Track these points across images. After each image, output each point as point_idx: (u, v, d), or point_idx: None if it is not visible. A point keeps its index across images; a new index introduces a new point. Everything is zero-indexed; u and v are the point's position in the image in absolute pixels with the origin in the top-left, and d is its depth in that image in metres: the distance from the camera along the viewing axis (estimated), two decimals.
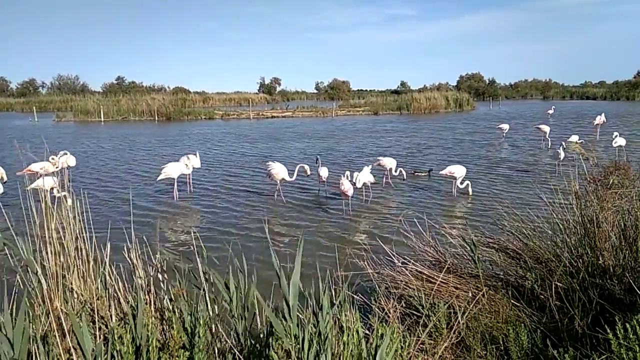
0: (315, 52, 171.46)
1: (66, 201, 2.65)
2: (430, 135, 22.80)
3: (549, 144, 16.71)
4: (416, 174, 12.30)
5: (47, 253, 2.42)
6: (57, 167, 9.47)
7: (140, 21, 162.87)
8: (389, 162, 11.34)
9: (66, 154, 10.89)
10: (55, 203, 2.65)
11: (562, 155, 12.02)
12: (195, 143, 21.17)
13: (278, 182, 9.89)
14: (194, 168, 10.94)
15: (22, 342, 1.89)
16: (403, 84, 79.45)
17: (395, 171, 11.20)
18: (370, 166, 9.95)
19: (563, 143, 12.51)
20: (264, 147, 19.49)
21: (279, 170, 9.77)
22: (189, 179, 10.94)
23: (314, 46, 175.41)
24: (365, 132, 25.72)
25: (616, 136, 14.11)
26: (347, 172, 9.56)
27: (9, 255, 2.46)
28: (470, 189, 9.87)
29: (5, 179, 9.51)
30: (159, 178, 10.33)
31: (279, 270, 2.16)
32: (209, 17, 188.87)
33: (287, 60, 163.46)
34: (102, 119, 37.60)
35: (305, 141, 21.43)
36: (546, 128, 17.67)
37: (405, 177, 11.24)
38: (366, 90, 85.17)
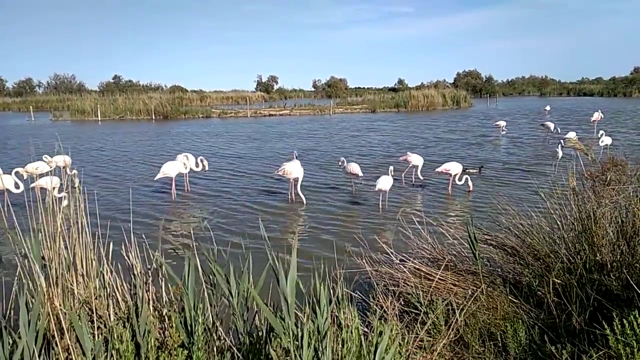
0: (312, 49, 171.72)
1: (64, 201, 2.65)
2: (423, 133, 22.78)
3: (559, 132, 17.04)
4: (467, 170, 11.18)
5: (47, 252, 2.43)
6: (51, 167, 9.52)
7: (136, 20, 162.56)
8: (416, 160, 10.76)
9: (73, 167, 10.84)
10: (56, 202, 2.64)
11: (560, 154, 12.01)
12: (194, 143, 21.14)
13: (291, 180, 9.87)
14: (191, 170, 10.92)
15: (27, 340, 1.89)
16: (400, 81, 79.36)
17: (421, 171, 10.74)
18: (354, 163, 10.12)
19: (561, 141, 12.52)
20: (259, 145, 19.47)
21: (292, 170, 9.78)
22: (187, 178, 10.93)
23: (311, 44, 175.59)
24: (360, 129, 25.72)
25: (602, 135, 14.18)
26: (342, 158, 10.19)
27: (13, 254, 2.47)
28: (470, 183, 9.85)
29: (25, 176, 9.53)
30: (156, 177, 10.32)
31: (276, 268, 2.16)
32: (206, 16, 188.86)
33: (285, 58, 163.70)
34: (99, 118, 37.48)
35: (295, 140, 21.37)
36: (551, 125, 18.30)
37: (422, 179, 10.77)
38: (364, 88, 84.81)
